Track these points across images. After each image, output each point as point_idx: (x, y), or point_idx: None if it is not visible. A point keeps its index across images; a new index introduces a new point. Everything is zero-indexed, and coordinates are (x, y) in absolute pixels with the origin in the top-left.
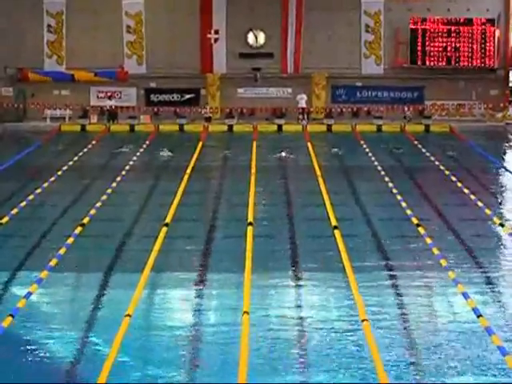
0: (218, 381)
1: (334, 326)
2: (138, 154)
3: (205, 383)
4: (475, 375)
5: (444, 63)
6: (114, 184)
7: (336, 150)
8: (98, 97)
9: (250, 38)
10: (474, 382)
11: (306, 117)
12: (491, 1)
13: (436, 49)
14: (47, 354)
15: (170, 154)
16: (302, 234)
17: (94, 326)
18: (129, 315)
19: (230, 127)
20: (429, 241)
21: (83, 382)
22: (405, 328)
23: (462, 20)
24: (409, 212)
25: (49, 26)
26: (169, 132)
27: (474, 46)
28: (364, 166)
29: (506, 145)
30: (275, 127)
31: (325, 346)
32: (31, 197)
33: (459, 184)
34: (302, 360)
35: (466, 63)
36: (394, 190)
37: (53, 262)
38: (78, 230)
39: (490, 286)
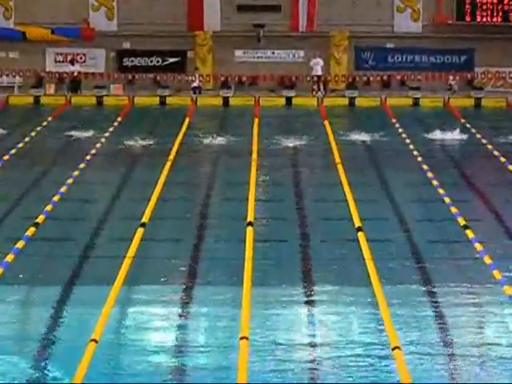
0: None
1: (357, 355)
2: (107, 134)
3: None
4: None
5: (499, 19)
6: (77, 173)
7: (361, 130)
8: (55, 61)
9: None
10: None
11: (322, 87)
12: None
13: (489, 0)
14: None
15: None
16: (316, 237)
17: (51, 354)
18: (95, 340)
19: (226, 100)
20: (479, 247)
21: None
22: (447, 358)
23: None
24: (454, 210)
25: None
26: (147, 106)
27: None
28: (396, 151)
29: None
30: (283, 100)
31: (343, 380)
32: None
33: None
34: None
35: None
36: (435, 182)
37: None
38: (31, 231)
39: None
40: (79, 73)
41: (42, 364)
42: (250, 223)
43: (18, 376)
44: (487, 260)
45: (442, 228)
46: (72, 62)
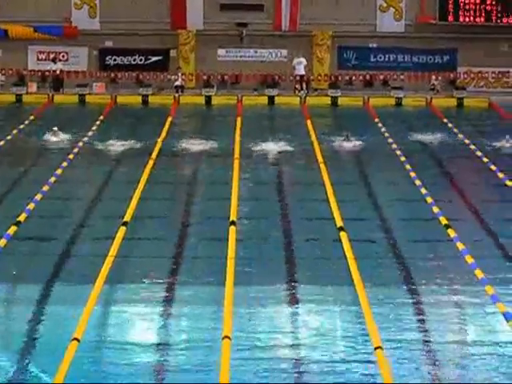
0: None
1: (340, 355)
2: (90, 133)
3: None
4: None
5: (482, 19)
6: (59, 171)
7: (343, 130)
8: (38, 59)
9: None
10: None
11: (305, 87)
12: None
13: (472, 0)
14: None
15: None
16: (299, 237)
17: (32, 353)
18: (76, 339)
19: (208, 99)
20: (461, 246)
21: None
22: (429, 358)
23: None
24: (436, 210)
25: None
26: (129, 105)
27: None
28: (379, 151)
29: None
30: (266, 99)
31: (327, 381)
32: None
33: (501, 175)
34: None
35: (510, 20)
36: (417, 182)
37: None
38: (12, 229)
39: None
40: (61, 71)
41: (24, 363)
42: (233, 222)
43: (1, 374)
44: (469, 259)
45: (424, 227)
46: (54, 60)
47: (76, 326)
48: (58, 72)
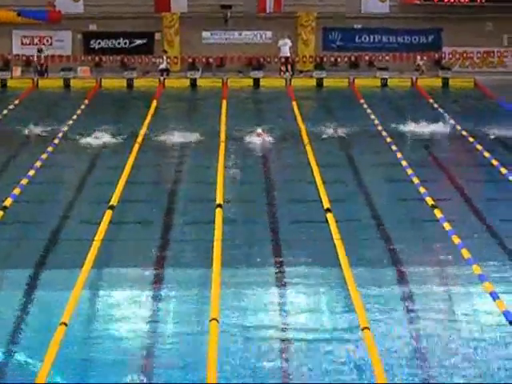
0: None
1: (327, 336)
2: (75, 117)
3: None
4: None
5: None
6: (45, 156)
7: (329, 111)
8: (22, 43)
9: None
10: None
11: (290, 68)
12: None
13: None
14: None
15: None
16: (286, 218)
17: (20, 337)
18: (64, 323)
19: (193, 82)
20: (447, 226)
21: None
22: (416, 338)
23: None
24: (422, 190)
25: None
26: (114, 89)
27: None
28: (365, 132)
29: None
30: (251, 82)
31: (315, 362)
32: None
33: (487, 154)
34: (285, 379)
35: None
36: (404, 163)
37: None
38: None
39: None
40: (46, 57)
41: (11, 348)
42: (219, 205)
43: None
44: (455, 239)
45: (411, 208)
46: (40, 51)
47: (63, 310)
48: (42, 56)
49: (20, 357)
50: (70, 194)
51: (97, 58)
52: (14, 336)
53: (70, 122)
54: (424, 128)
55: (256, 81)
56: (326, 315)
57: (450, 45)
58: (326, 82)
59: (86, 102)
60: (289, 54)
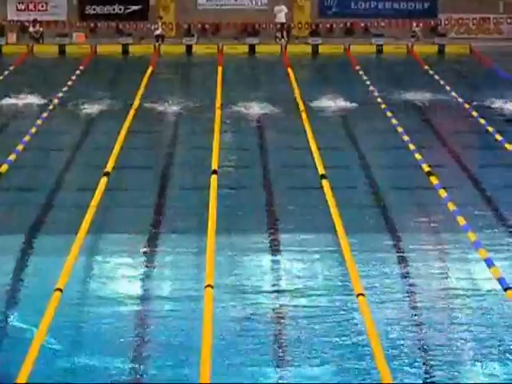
0: (172, 375)
1: (321, 302)
2: (70, 82)
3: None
4: (499, 363)
5: None
6: (39, 121)
7: (324, 78)
8: (17, 9)
9: None
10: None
11: (285, 35)
12: None
13: None
14: None
15: None
16: (281, 185)
17: (15, 303)
18: (59, 289)
19: (189, 48)
20: (443, 193)
21: (1, 372)
22: (411, 305)
23: None
24: (418, 157)
25: None
26: (109, 55)
27: None
28: (360, 99)
29: None
30: (246, 48)
31: (309, 329)
32: None
33: (482, 121)
34: (280, 347)
35: None
36: (399, 129)
37: None
38: None
39: None
40: (41, 23)
41: (6, 314)
42: (215, 171)
43: None
44: (451, 206)
45: (406, 174)
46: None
47: (59, 276)
48: (37, 30)
49: (15, 323)
50: (65, 160)
51: (92, 24)
52: (9, 303)
53: (65, 88)
54: (419, 95)
55: (251, 47)
56: (321, 281)
57: (446, 11)
58: (321, 49)
59: (82, 68)
60: (284, 21)
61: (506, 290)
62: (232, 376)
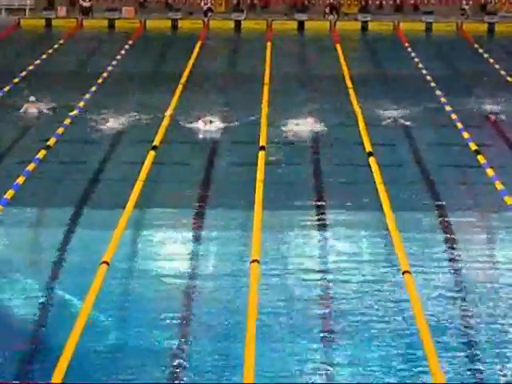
0: (218, 348)
1: (368, 279)
2: (119, 57)
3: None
4: None
5: None
6: (88, 96)
7: (373, 55)
8: None
9: None
10: None
11: (335, 11)
12: None
13: None
14: (2, 311)
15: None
16: (328, 162)
17: (62, 275)
18: (106, 262)
19: (238, 24)
20: (490, 173)
21: (48, 345)
22: (457, 283)
23: None
24: (466, 135)
25: None
26: (158, 30)
27: None
28: (409, 76)
29: None
30: (295, 24)
31: (354, 305)
32: None
33: None
34: (325, 323)
35: None
36: (448, 108)
37: (8, 195)
38: (41, 153)
39: None
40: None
41: (54, 285)
42: (263, 147)
43: (32, 296)
44: (498, 186)
45: (454, 153)
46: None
47: (105, 249)
48: (88, 7)
49: (62, 295)
50: (112, 134)
51: None
52: (56, 275)
53: (114, 62)
54: (469, 73)
55: (300, 23)
56: (367, 259)
57: None
58: (370, 26)
59: (131, 42)
60: None
61: None
62: (276, 352)
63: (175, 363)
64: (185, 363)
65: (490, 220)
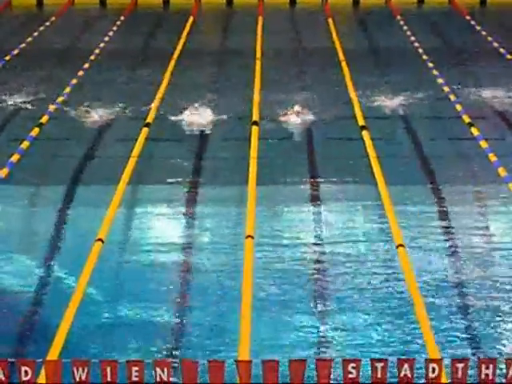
0: (213, 322)
1: (362, 252)
2: (111, 33)
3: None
4: None
5: None
6: (81, 73)
7: (365, 28)
8: None
9: None
10: None
11: None
12: None
13: None
14: None
15: None
16: (321, 136)
17: (56, 253)
18: (100, 240)
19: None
20: (484, 144)
21: (43, 323)
22: (451, 256)
23: None
24: (459, 108)
25: None
26: (150, 6)
27: None
28: (401, 50)
29: None
30: None
31: (348, 278)
32: None
33: None
34: (319, 296)
35: None
36: (440, 80)
37: (2, 173)
38: (35, 131)
39: None
40: None
41: (49, 263)
42: (255, 122)
43: (26, 275)
44: (492, 158)
45: (447, 125)
46: None
47: (100, 227)
48: None
49: (56, 274)
50: (105, 111)
51: None
52: (50, 252)
53: (106, 38)
54: (461, 46)
55: None
56: (361, 232)
57: None
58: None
59: (122, 18)
60: None
61: None
62: (271, 326)
63: (171, 340)
64: (181, 340)
65: (484, 192)
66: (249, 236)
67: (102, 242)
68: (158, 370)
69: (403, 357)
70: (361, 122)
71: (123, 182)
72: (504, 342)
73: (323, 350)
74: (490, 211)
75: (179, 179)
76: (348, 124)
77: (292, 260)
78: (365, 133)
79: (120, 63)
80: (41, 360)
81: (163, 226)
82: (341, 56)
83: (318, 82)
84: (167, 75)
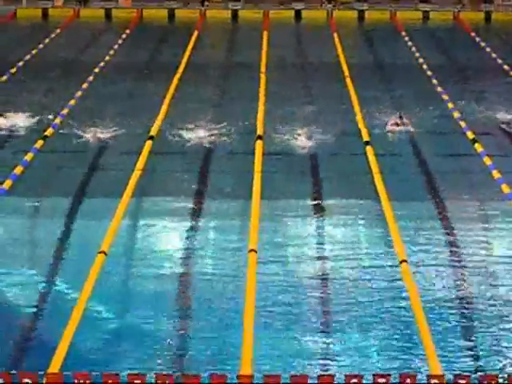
0: (215, 335)
1: (365, 268)
2: (116, 46)
3: (199, 336)
4: None
5: None
6: (85, 85)
7: (370, 44)
8: None
9: None
10: None
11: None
12: None
13: None
14: None
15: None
16: (325, 151)
17: (59, 265)
18: (103, 252)
19: (235, 13)
20: (488, 161)
21: (45, 335)
22: (454, 272)
23: None
24: (463, 124)
25: None
26: (155, 19)
27: None
28: (406, 65)
29: None
30: (292, 13)
31: (352, 295)
32: None
33: None
34: (324, 311)
35: None
36: (445, 97)
37: (6, 185)
38: (39, 143)
39: None
40: None
41: (51, 276)
42: (260, 137)
43: (29, 287)
44: (496, 174)
45: (451, 141)
46: None
47: (103, 239)
48: None
49: (60, 284)
50: (110, 124)
51: None
52: (53, 264)
53: (111, 51)
54: (465, 62)
55: (297, 12)
56: (365, 248)
57: None
58: (367, 14)
59: (128, 31)
60: None
61: None
62: (274, 341)
63: (173, 352)
64: (183, 352)
65: (487, 209)
66: (252, 250)
67: (105, 254)
68: (159, 383)
69: (405, 372)
70: (365, 137)
71: (127, 195)
72: (507, 357)
73: (325, 364)
74: (494, 227)
75: (183, 192)
76: (352, 140)
77: (295, 274)
78: (368, 148)
79: (125, 76)
80: (42, 372)
81: (166, 239)
82: (346, 71)
83: (323, 96)
84: (172, 89)
